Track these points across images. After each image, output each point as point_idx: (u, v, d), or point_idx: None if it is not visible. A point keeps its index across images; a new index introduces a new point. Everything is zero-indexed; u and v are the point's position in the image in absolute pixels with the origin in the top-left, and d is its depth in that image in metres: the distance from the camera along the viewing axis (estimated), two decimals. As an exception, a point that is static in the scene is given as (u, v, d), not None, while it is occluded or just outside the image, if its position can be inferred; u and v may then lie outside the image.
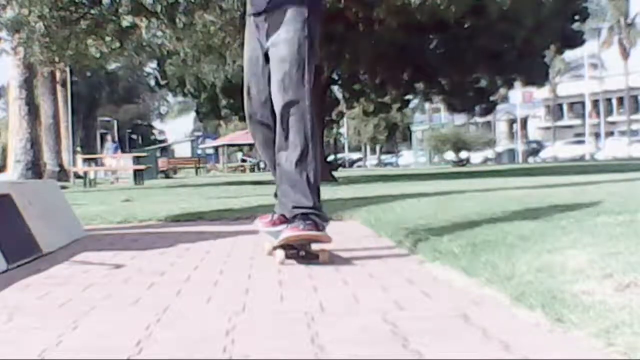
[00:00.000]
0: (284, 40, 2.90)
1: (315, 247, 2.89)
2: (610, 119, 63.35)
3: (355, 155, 65.27)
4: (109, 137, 29.78)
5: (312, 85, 2.90)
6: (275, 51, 2.92)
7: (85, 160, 22.38)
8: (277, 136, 2.93)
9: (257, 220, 3.15)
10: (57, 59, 14.81)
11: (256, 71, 3.05)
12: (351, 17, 15.70)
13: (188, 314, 1.93)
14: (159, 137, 79.78)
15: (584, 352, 1.39)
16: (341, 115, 32.45)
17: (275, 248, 2.89)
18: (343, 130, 61.50)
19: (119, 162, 23.44)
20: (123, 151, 33.80)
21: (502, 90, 28.48)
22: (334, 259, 2.89)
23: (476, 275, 2.19)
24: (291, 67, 2.88)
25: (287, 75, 2.88)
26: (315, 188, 2.87)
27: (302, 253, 2.87)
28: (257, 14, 3.01)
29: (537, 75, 21.23)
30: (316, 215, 2.83)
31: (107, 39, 13.91)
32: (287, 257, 2.83)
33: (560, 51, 23.13)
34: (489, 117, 50.30)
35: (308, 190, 2.84)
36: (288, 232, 2.79)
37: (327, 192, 7.39)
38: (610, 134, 59.69)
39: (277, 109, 2.89)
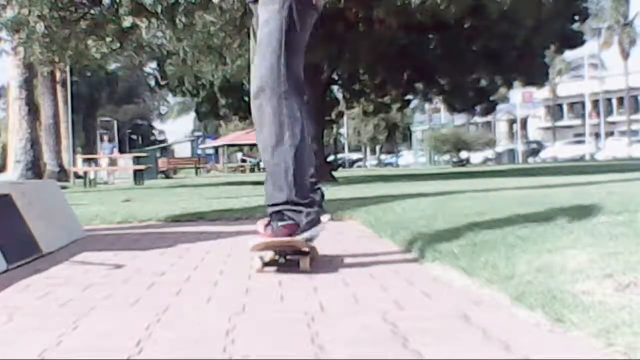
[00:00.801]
0: (262, 22, 2.74)
1: (322, 252, 2.77)
2: (610, 119, 63.39)
3: (355, 156, 65.27)
4: (105, 137, 29.52)
5: (294, 70, 2.69)
6: (257, 35, 2.77)
7: (85, 160, 22.39)
8: (255, 125, 2.77)
9: (259, 222, 3.06)
10: (57, 59, 14.82)
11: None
12: (351, 17, 15.70)
13: (188, 314, 1.93)
14: (159, 137, 79.83)
15: (584, 352, 1.39)
16: (341, 115, 32.44)
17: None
18: (343, 130, 61.52)
19: (115, 162, 23.33)
20: (122, 151, 33.65)
21: (502, 90, 28.50)
22: (324, 264, 2.83)
23: (476, 275, 2.19)
24: (265, 50, 2.68)
25: (263, 59, 2.69)
26: (297, 178, 2.64)
27: (282, 260, 2.67)
28: (251, 1, 2.87)
29: (537, 75, 21.24)
30: (294, 210, 2.62)
31: (107, 39, 13.92)
32: (267, 264, 2.65)
33: (560, 51, 23.15)
34: (489, 117, 50.35)
35: (284, 181, 2.63)
36: (258, 238, 2.60)
37: (327, 192, 7.38)
38: (610, 134, 59.73)
39: (252, 95, 2.72)
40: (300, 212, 2.63)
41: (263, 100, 2.68)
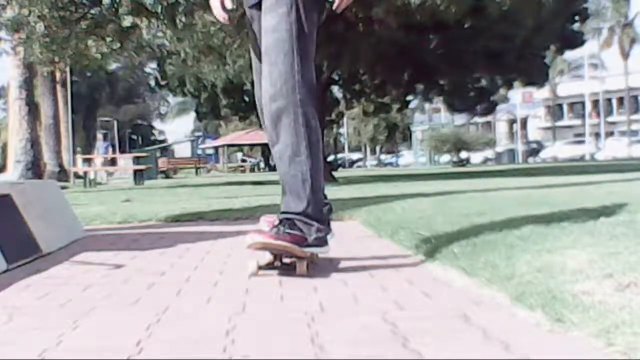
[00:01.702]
0: (268, 28, 2.63)
1: (322, 255, 2.71)
2: (610, 119, 63.39)
3: (355, 156, 65.27)
4: (99, 136, 28.31)
5: (308, 76, 2.59)
6: (263, 41, 2.66)
7: (84, 160, 22.35)
8: (267, 134, 2.67)
9: (262, 218, 2.97)
10: (57, 59, 14.82)
11: (257, 68, 2.79)
12: (351, 17, 15.70)
13: (188, 314, 1.93)
14: (159, 137, 79.79)
15: (584, 352, 1.39)
16: (341, 115, 32.45)
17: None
18: (343, 130, 61.52)
19: (111, 162, 23.01)
20: (123, 151, 33.27)
21: (502, 90, 28.51)
22: (324, 264, 2.81)
23: (476, 275, 2.19)
24: (277, 57, 2.58)
25: (274, 66, 2.57)
26: (313, 190, 2.58)
27: (277, 263, 2.61)
28: (251, 6, 2.77)
29: (537, 75, 21.24)
30: (306, 223, 2.55)
31: (107, 39, 13.92)
32: (264, 267, 2.60)
33: (560, 51, 23.14)
34: (489, 117, 50.33)
35: (302, 192, 2.56)
36: (256, 236, 2.54)
37: (327, 192, 7.37)
38: (610, 134, 59.72)
39: (265, 103, 2.62)
40: (311, 225, 2.57)
41: (277, 110, 2.58)
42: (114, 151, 39.33)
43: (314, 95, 2.64)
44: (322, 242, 2.61)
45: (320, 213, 2.62)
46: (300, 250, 2.52)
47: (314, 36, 2.70)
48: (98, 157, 23.38)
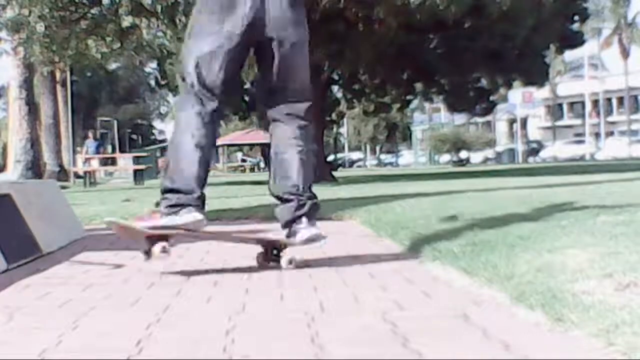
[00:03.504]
0: (296, 44, 2.78)
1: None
2: (610, 119, 63.34)
3: (355, 155, 65.25)
4: (90, 134, 25.97)
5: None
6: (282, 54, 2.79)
7: (85, 160, 22.24)
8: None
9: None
10: (57, 59, 14.83)
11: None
12: (351, 17, 15.69)
13: (188, 314, 1.93)
14: (159, 137, 79.71)
15: (584, 352, 1.39)
16: (341, 115, 32.40)
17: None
18: (343, 130, 61.50)
19: (106, 162, 22.33)
20: (122, 151, 32.69)
21: (502, 90, 28.49)
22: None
23: (476, 275, 2.19)
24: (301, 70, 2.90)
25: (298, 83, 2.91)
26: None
27: (265, 257, 2.86)
28: None
29: (537, 75, 21.22)
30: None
31: (108, 39, 13.92)
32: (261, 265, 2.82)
33: (560, 51, 23.12)
34: (489, 117, 50.26)
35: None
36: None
37: (327, 192, 7.38)
38: (610, 134, 59.69)
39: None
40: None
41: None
42: (113, 150, 38.72)
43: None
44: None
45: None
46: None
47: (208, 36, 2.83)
48: (90, 157, 22.06)
